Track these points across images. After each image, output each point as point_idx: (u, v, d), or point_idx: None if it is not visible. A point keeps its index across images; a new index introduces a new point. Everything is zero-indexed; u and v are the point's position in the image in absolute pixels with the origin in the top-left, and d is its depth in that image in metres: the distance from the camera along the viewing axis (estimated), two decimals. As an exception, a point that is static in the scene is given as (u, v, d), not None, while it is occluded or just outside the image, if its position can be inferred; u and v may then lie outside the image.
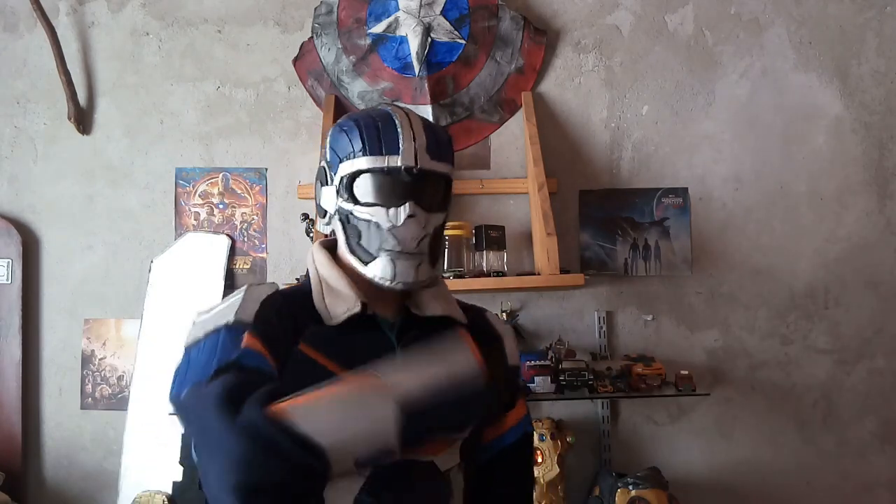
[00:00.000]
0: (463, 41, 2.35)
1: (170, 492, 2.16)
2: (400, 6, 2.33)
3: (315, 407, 0.90)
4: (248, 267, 2.36)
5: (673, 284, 2.33)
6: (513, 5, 2.39)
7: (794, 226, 2.35)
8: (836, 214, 2.35)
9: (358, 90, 2.39)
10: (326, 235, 1.23)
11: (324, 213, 1.17)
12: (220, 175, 2.39)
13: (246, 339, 1.01)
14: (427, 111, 2.34)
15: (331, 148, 1.14)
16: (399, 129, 1.08)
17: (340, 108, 2.37)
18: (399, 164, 1.07)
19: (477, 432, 1.19)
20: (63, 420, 2.33)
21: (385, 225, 1.08)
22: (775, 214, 2.35)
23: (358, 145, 1.08)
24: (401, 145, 1.07)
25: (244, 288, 1.10)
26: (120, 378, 2.33)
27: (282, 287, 1.17)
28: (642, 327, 2.32)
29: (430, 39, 2.33)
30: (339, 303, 1.11)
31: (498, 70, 2.38)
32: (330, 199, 1.14)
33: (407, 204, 1.07)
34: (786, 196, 2.36)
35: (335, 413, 0.89)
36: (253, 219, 2.38)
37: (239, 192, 2.39)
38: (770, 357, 2.31)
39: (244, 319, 1.03)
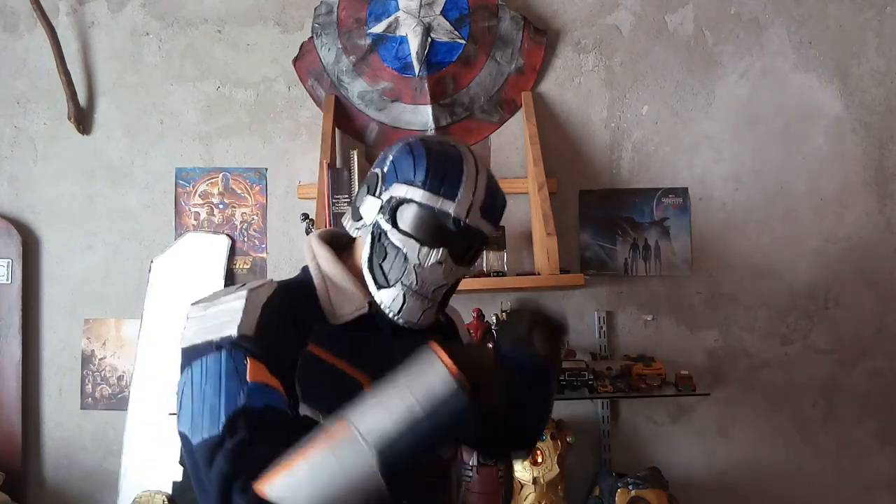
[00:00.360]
0: (463, 41, 2.35)
1: (170, 492, 2.16)
2: (400, 6, 2.33)
3: (293, 479, 0.88)
4: (248, 267, 2.36)
5: (673, 284, 2.33)
6: (513, 5, 2.39)
7: (794, 226, 2.35)
8: (836, 214, 2.35)
9: (358, 90, 2.39)
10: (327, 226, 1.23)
11: (358, 218, 1.15)
12: (220, 175, 2.39)
13: (251, 368, 0.97)
14: (427, 111, 2.34)
15: (392, 162, 1.11)
16: (464, 178, 1.08)
17: (340, 108, 2.37)
18: (450, 211, 1.07)
19: None
20: (63, 420, 2.33)
21: (413, 260, 1.08)
22: (775, 214, 2.35)
23: (420, 176, 1.07)
24: (459, 194, 1.07)
25: (244, 293, 1.05)
26: (120, 378, 2.33)
27: (279, 280, 1.15)
28: (642, 327, 2.32)
29: (430, 39, 2.33)
30: (346, 302, 1.11)
31: (498, 70, 2.38)
32: (371, 210, 1.12)
33: (441, 250, 1.08)
34: (786, 196, 2.36)
35: (315, 479, 0.88)
36: (253, 219, 2.38)
37: (239, 192, 2.39)
38: (770, 357, 2.31)
39: (247, 334, 1.00)
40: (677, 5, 2.41)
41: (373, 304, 1.11)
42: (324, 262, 1.15)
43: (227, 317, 1.02)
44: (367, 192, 1.14)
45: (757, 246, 2.34)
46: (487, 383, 0.93)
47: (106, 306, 2.36)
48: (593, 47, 2.40)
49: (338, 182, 2.08)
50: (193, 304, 1.08)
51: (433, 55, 2.34)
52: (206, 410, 0.96)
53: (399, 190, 1.09)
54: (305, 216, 2.23)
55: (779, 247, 2.34)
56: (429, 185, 1.07)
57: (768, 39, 2.40)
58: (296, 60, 2.40)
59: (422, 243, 1.08)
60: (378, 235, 1.11)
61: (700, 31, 2.40)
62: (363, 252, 1.14)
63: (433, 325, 1.20)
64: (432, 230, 1.08)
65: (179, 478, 2.16)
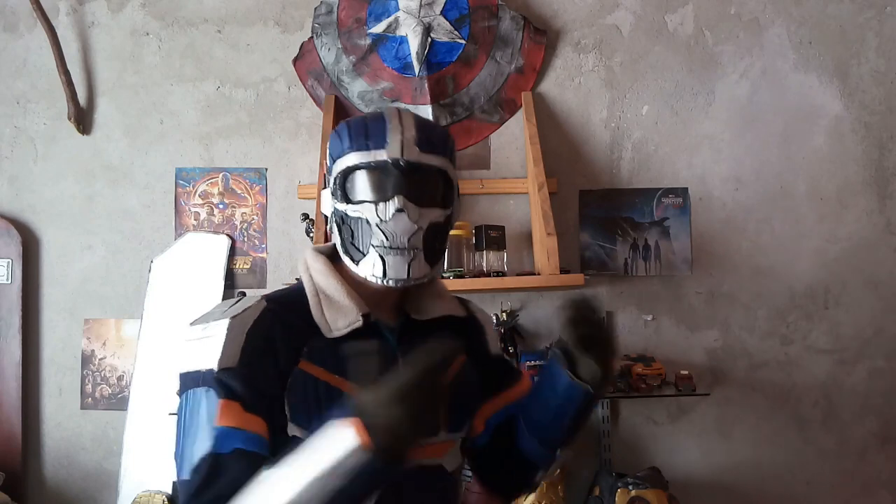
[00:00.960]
0: (463, 41, 2.35)
1: (170, 492, 2.16)
2: (400, 6, 2.33)
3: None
4: (248, 267, 2.36)
5: (673, 284, 2.33)
6: (513, 5, 2.39)
7: (794, 226, 2.35)
8: (836, 214, 2.35)
9: (358, 90, 2.39)
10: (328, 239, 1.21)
11: (326, 218, 1.15)
12: (220, 175, 2.39)
13: (222, 411, 0.97)
14: (427, 111, 2.34)
15: (329, 152, 1.13)
16: (388, 125, 1.07)
17: (340, 108, 2.37)
18: (385, 157, 1.05)
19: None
20: (63, 420, 2.33)
21: (374, 220, 1.05)
22: (775, 214, 2.35)
23: (346, 143, 1.07)
24: (388, 139, 1.05)
25: (227, 321, 1.03)
26: (120, 378, 2.33)
27: (272, 292, 1.14)
28: (642, 327, 2.32)
29: (430, 39, 2.33)
30: (340, 316, 1.07)
31: (498, 70, 2.38)
32: (327, 201, 1.12)
33: (395, 198, 1.04)
34: (786, 196, 2.36)
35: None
36: (253, 219, 2.38)
37: (239, 192, 2.39)
38: (770, 357, 2.31)
39: (228, 366, 0.99)
40: (677, 5, 2.41)
41: (368, 316, 1.08)
42: (317, 275, 1.12)
43: (213, 345, 1.01)
44: (323, 190, 1.15)
45: (757, 246, 2.34)
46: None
47: (106, 306, 2.36)
48: (593, 47, 2.40)
49: (338, 182, 2.08)
50: (192, 323, 1.07)
51: (433, 55, 2.34)
52: (185, 451, 0.98)
53: (337, 166, 1.09)
54: (305, 216, 2.23)
55: (779, 247, 2.34)
56: (357, 146, 1.06)
57: (768, 39, 2.40)
58: (296, 60, 2.40)
59: (376, 202, 1.06)
60: (341, 219, 1.09)
61: (700, 31, 2.40)
62: (337, 242, 1.12)
63: (447, 321, 1.16)
64: (379, 184, 1.06)
65: (179, 478, 2.15)
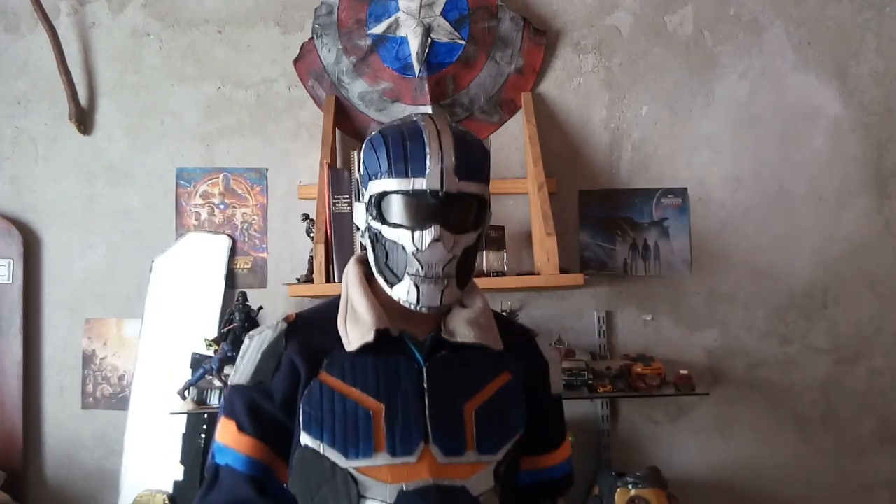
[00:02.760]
0: (463, 42, 2.36)
1: (171, 491, 2.16)
2: (400, 7, 2.34)
3: None
4: (248, 267, 2.37)
5: (672, 284, 2.34)
6: (513, 6, 2.40)
7: (793, 226, 2.35)
8: (835, 214, 2.36)
9: (358, 91, 2.39)
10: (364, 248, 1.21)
11: (357, 228, 1.17)
12: (221, 175, 2.40)
13: (221, 428, 1.09)
14: (427, 112, 2.34)
15: (363, 163, 1.12)
16: (427, 150, 1.04)
17: (341, 108, 2.38)
18: (424, 187, 1.04)
19: (514, 458, 1.15)
20: (64, 420, 2.34)
21: (410, 248, 1.05)
22: (775, 214, 2.36)
23: (385, 165, 1.06)
24: (427, 167, 1.04)
25: (247, 341, 1.15)
26: (121, 378, 2.33)
27: (311, 307, 1.21)
28: (642, 327, 2.32)
29: (430, 40, 2.34)
30: (357, 328, 1.08)
31: (498, 71, 2.39)
32: (361, 215, 1.13)
33: (432, 227, 1.04)
34: (785, 196, 2.36)
35: None
36: (253, 219, 2.39)
37: (240, 192, 2.39)
38: (769, 357, 2.32)
39: (239, 383, 1.10)
40: (676, 6, 2.41)
41: (387, 331, 1.08)
42: (350, 284, 1.15)
43: (237, 363, 1.12)
44: (356, 200, 1.17)
45: (756, 246, 2.35)
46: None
47: (107, 306, 2.36)
48: (593, 48, 2.41)
49: (338, 182, 2.08)
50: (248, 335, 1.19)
51: (433, 56, 2.34)
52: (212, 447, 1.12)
53: (374, 186, 1.08)
54: (306, 216, 2.23)
55: (778, 246, 2.35)
56: (395, 171, 1.05)
57: (767, 40, 2.40)
58: (296, 61, 2.40)
59: (412, 229, 1.05)
60: (375, 237, 1.10)
61: (699, 31, 2.41)
62: (370, 258, 1.13)
63: (485, 349, 1.13)
64: (416, 212, 1.06)
65: (180, 477, 2.16)
